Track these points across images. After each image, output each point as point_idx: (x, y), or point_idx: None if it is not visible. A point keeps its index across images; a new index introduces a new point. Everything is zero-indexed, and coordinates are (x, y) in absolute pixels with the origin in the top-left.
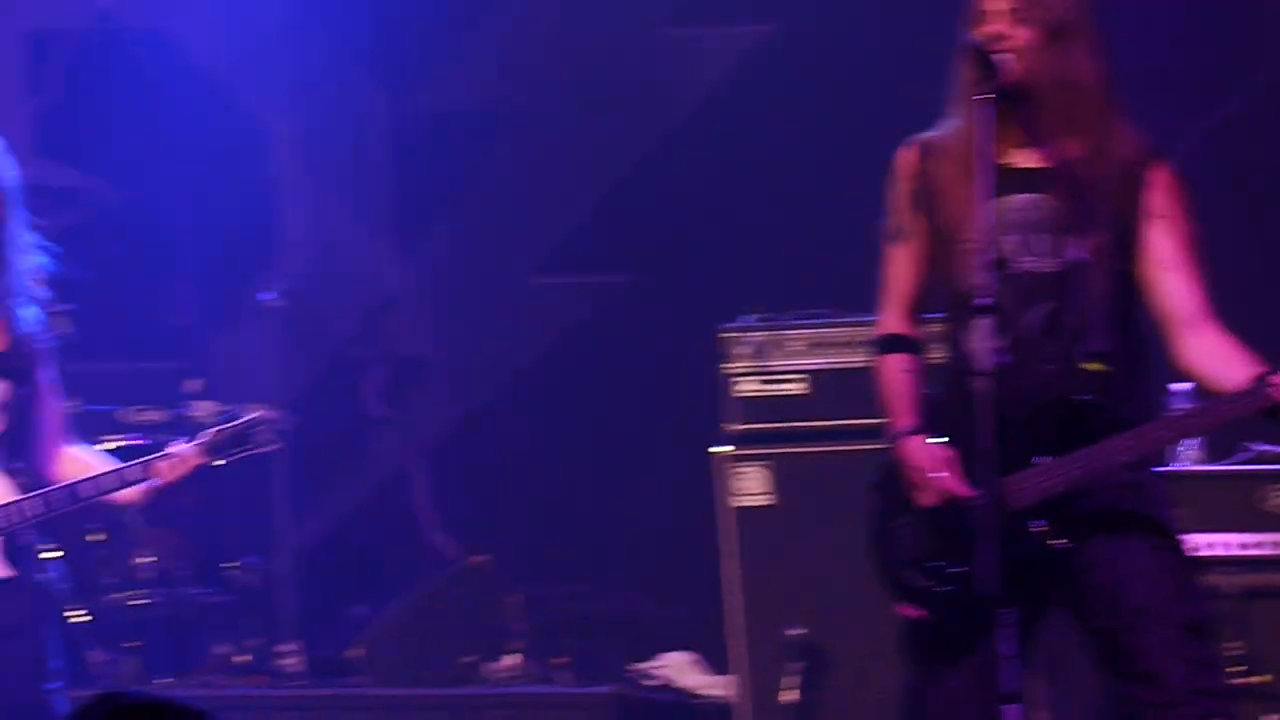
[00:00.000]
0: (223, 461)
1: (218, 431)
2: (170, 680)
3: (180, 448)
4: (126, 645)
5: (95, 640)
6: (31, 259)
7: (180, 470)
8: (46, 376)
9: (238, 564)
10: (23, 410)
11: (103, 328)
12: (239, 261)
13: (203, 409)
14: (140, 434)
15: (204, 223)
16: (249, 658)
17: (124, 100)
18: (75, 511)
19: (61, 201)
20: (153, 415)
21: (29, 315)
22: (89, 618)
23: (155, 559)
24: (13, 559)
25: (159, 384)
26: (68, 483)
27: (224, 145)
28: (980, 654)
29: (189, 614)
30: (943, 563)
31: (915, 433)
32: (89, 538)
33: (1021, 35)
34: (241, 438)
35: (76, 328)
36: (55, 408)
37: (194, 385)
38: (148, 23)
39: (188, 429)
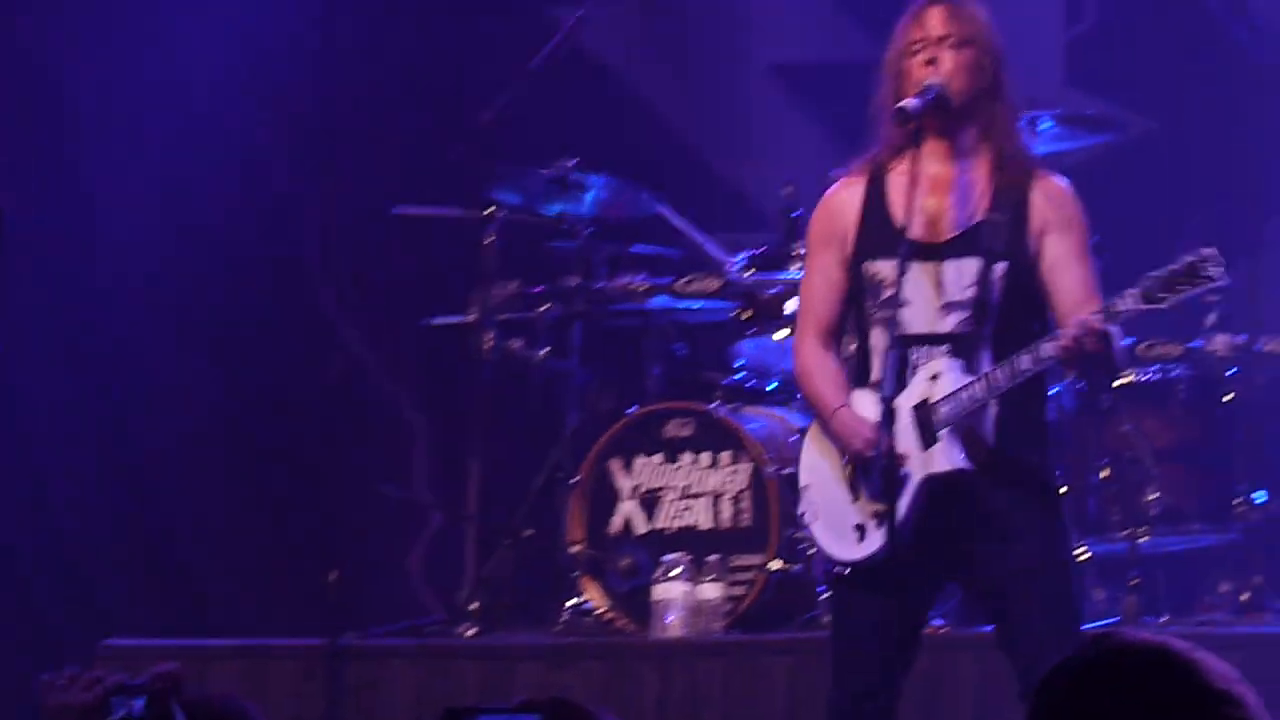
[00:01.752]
0: (1163, 304)
1: (1153, 277)
2: (1166, 619)
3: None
4: (1129, 583)
5: (1098, 578)
6: None
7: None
8: None
9: (1242, 501)
10: None
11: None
12: (1257, 189)
13: (1219, 343)
14: (1154, 368)
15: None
16: (1249, 595)
17: (1148, 30)
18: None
19: (1096, 129)
20: (1168, 350)
21: None
22: (1089, 554)
23: (1160, 494)
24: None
25: (1179, 317)
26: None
27: None
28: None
29: (1194, 552)
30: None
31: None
32: (1101, 475)
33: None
34: (1178, 276)
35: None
36: None
37: (1211, 319)
38: None
39: (1202, 365)
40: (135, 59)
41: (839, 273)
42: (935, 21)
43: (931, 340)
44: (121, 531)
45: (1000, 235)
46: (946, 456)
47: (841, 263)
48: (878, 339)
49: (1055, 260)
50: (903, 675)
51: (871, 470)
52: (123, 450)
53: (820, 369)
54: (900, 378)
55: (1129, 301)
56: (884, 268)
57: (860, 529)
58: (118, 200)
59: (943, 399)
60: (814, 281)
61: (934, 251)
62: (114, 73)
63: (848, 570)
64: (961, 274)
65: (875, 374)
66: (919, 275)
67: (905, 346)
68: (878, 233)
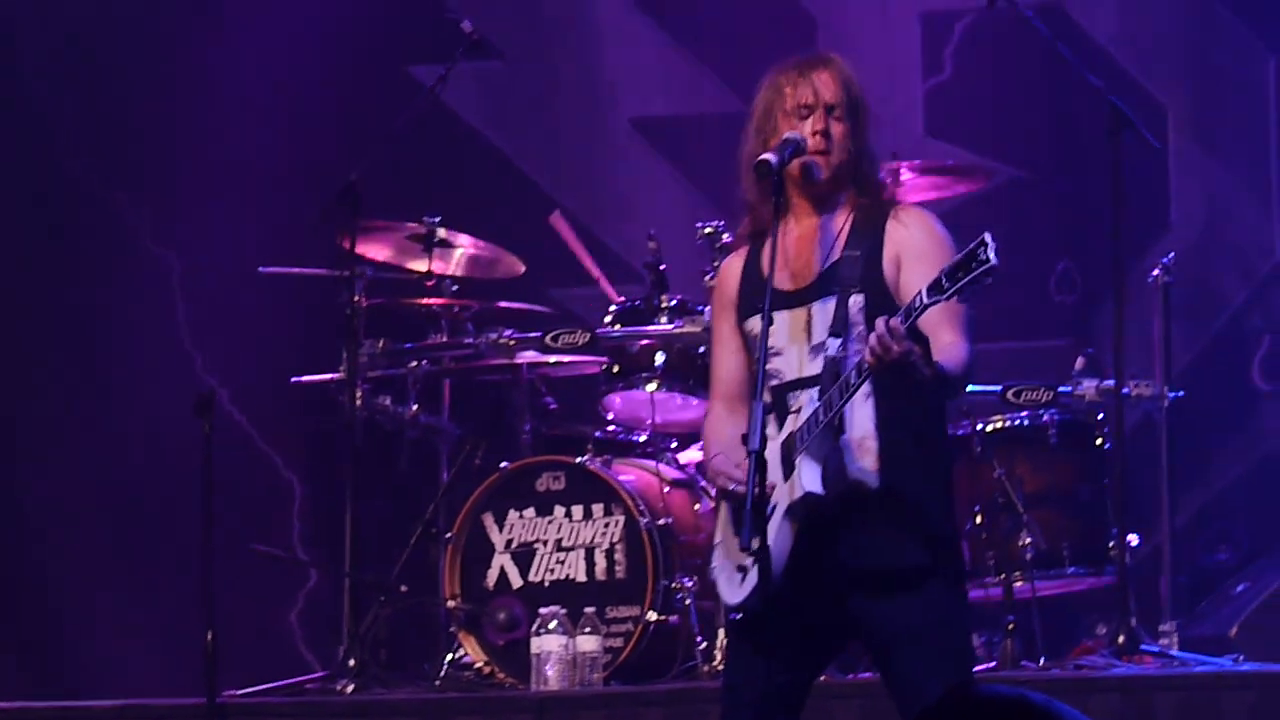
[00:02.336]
0: (947, 294)
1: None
2: (1043, 662)
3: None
4: (1006, 628)
5: (975, 623)
6: None
7: (891, 338)
8: None
9: (1116, 543)
10: None
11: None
12: (1132, 237)
13: (1088, 388)
14: (1025, 414)
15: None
16: (1124, 637)
17: (1006, 79)
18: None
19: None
20: (1038, 395)
21: None
22: None
23: (1034, 539)
24: None
25: (1048, 362)
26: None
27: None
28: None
29: (1069, 595)
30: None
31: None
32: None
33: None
34: (958, 265)
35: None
36: None
37: (1080, 363)
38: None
39: (1072, 410)
40: None
41: (733, 338)
42: (827, 89)
43: (805, 384)
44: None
45: (855, 270)
46: (799, 483)
47: (734, 328)
48: (767, 392)
49: (909, 284)
50: None
51: (742, 513)
52: None
53: (714, 430)
54: (764, 428)
55: (920, 298)
56: (757, 323)
57: (742, 570)
58: None
59: (798, 429)
60: (715, 351)
61: (797, 298)
62: None
63: (737, 614)
64: (825, 314)
65: (773, 425)
66: (789, 323)
67: (784, 394)
68: (753, 292)
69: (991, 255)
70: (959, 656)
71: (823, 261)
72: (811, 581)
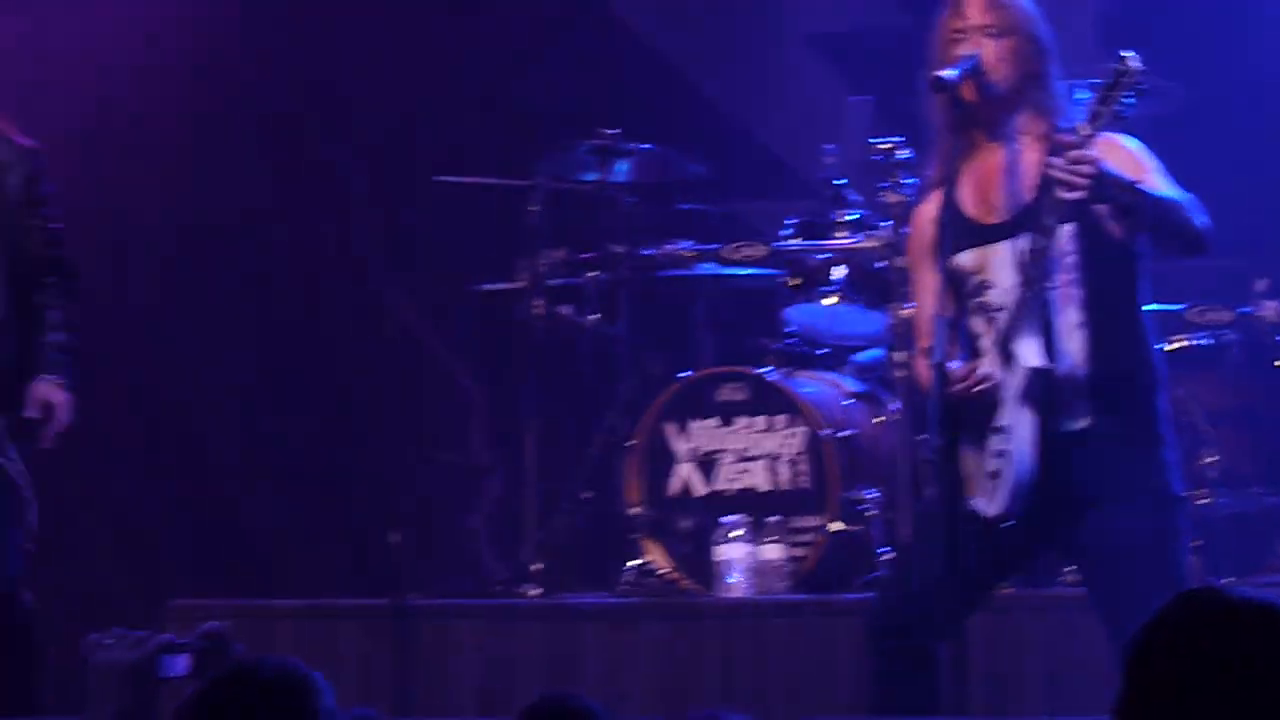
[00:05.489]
0: (1104, 116)
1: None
2: (1230, 581)
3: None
4: (1192, 546)
5: None
6: None
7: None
8: None
9: None
10: None
11: None
12: None
13: (1269, 308)
14: (1206, 333)
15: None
16: None
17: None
18: None
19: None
20: (1219, 315)
21: None
22: None
23: (1218, 457)
24: None
25: (1229, 282)
26: None
27: None
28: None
29: (1254, 513)
30: None
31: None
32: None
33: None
34: (1109, 88)
35: None
36: None
37: (1261, 284)
38: None
39: (1253, 330)
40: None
41: (938, 281)
42: (974, 10)
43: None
44: (185, 497)
45: (1061, 200)
46: (1020, 363)
47: (938, 271)
48: (976, 325)
49: None
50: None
51: (973, 415)
52: (184, 416)
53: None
54: (957, 344)
55: (1084, 127)
56: (965, 259)
57: (994, 476)
58: (151, 178)
59: (1008, 320)
60: (920, 298)
61: (1004, 231)
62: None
63: (1008, 523)
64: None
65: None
66: (998, 256)
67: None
68: (954, 230)
69: (1136, 63)
70: (1174, 574)
71: (1023, 194)
72: (1047, 481)
